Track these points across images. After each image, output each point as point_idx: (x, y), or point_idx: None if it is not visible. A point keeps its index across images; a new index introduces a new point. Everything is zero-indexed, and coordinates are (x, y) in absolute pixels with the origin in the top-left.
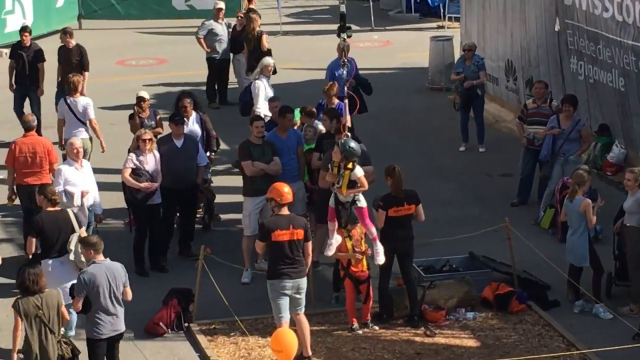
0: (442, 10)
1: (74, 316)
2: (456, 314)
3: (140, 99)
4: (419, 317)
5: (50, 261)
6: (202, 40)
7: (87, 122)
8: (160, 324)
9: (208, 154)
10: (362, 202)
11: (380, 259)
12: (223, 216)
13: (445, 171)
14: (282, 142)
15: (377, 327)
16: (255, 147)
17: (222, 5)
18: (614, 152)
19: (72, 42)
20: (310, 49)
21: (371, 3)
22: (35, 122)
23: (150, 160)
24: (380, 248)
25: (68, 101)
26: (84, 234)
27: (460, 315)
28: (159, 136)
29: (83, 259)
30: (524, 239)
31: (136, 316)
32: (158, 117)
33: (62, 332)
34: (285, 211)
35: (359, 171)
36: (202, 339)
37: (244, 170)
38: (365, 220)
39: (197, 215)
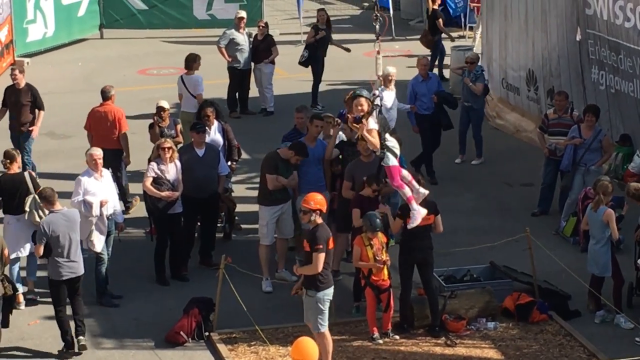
0: (462, 20)
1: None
2: (477, 324)
3: (160, 109)
4: (440, 327)
5: (8, 217)
6: (223, 50)
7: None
8: (181, 333)
9: (229, 163)
10: (391, 161)
11: (413, 223)
12: (244, 225)
13: (466, 180)
14: (310, 151)
15: (397, 337)
16: (282, 161)
17: (243, 14)
18: (635, 162)
19: (23, 81)
20: (331, 58)
21: (392, 13)
22: (112, 93)
23: (172, 170)
24: (417, 210)
25: (183, 78)
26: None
27: (481, 325)
28: (179, 145)
29: (37, 218)
30: (544, 248)
31: (157, 325)
32: (178, 126)
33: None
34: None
35: (371, 124)
36: (222, 348)
37: (267, 183)
38: (394, 181)
39: (218, 225)
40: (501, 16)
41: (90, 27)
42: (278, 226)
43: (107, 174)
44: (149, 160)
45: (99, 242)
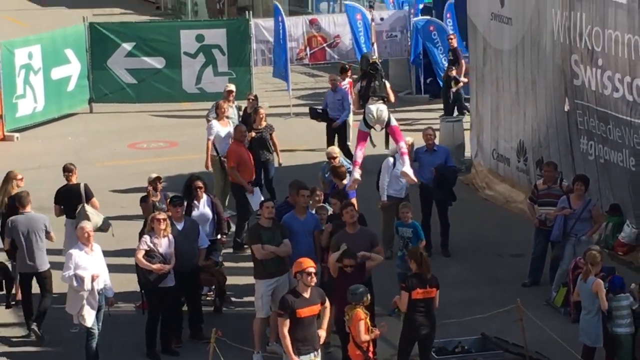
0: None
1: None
2: None
3: (156, 179)
4: None
5: (67, 220)
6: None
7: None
8: None
9: (219, 236)
10: (361, 126)
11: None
12: (234, 299)
13: (456, 251)
14: (299, 223)
15: None
16: (265, 230)
17: (232, 87)
18: (625, 231)
19: None
20: (320, 130)
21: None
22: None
23: (164, 243)
24: (354, 175)
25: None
26: (94, 203)
27: None
28: None
29: (89, 221)
30: (536, 319)
31: None
32: (168, 200)
33: None
34: None
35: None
36: None
37: (254, 254)
38: (359, 144)
39: (208, 298)
40: (492, 87)
41: (79, 102)
42: (273, 299)
43: (97, 248)
44: (141, 234)
45: (89, 317)
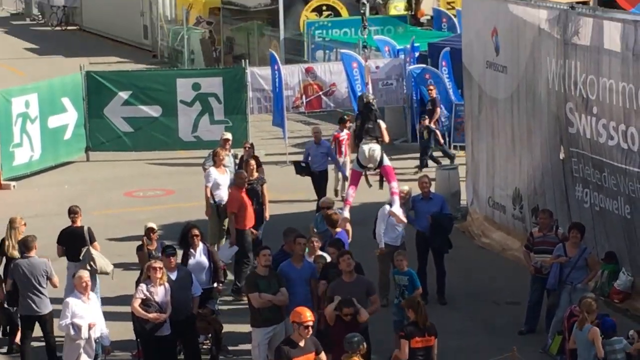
0: (447, 139)
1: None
2: None
3: (150, 230)
4: None
5: (69, 263)
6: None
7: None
8: None
9: (215, 285)
10: (354, 166)
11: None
12: (231, 347)
13: (453, 299)
14: (296, 272)
15: None
16: (261, 279)
17: (228, 136)
18: (621, 279)
19: None
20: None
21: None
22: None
23: (160, 292)
24: (343, 214)
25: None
26: (96, 247)
27: None
28: None
29: (88, 267)
30: None
31: None
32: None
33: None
34: None
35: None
36: None
37: (251, 302)
38: (351, 184)
39: (205, 346)
40: (488, 135)
41: (76, 150)
42: (270, 348)
43: (93, 296)
44: (137, 282)
45: None
